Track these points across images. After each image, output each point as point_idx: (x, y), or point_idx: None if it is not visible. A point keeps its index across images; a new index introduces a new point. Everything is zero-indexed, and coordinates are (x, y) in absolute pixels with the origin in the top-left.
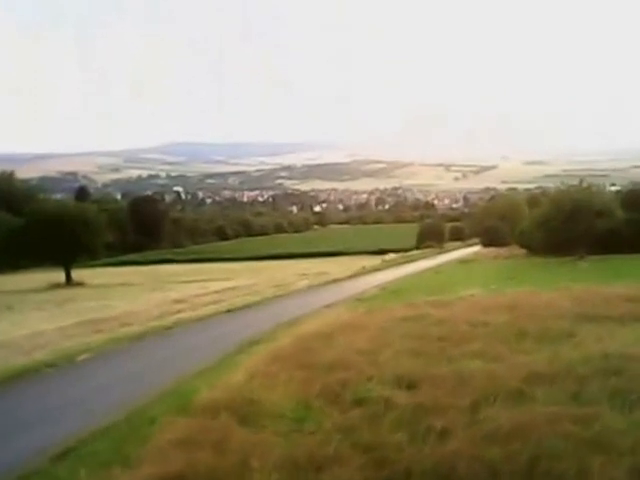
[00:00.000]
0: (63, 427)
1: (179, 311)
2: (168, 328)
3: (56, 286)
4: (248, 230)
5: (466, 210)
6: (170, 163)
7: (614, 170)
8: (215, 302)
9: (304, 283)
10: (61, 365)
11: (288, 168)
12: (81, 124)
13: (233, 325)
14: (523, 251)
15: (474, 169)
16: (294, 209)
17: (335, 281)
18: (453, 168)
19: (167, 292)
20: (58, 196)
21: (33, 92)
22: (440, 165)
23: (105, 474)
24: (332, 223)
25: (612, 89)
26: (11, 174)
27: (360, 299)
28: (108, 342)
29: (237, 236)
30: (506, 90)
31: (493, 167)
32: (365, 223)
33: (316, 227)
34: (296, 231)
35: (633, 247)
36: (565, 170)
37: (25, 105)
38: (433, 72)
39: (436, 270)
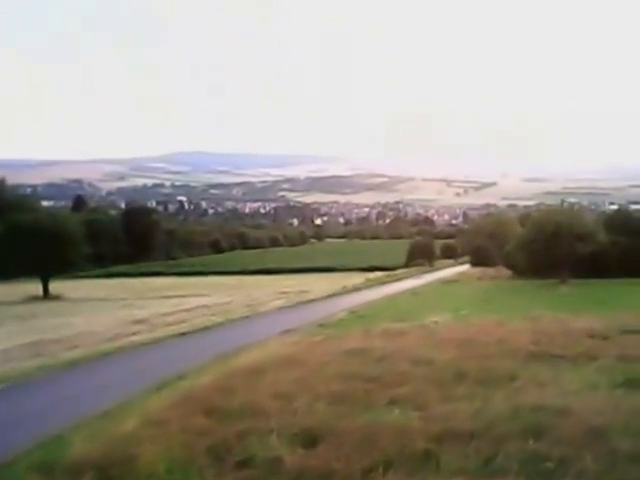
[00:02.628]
0: None
1: (134, 333)
2: (107, 354)
3: (33, 299)
4: (244, 243)
5: (465, 226)
6: (175, 172)
7: (614, 189)
8: (177, 323)
9: (278, 303)
10: None
11: (291, 180)
12: (88, 132)
13: (175, 352)
14: (509, 272)
15: (475, 185)
16: (295, 222)
17: (310, 301)
18: (454, 184)
19: (136, 310)
20: (62, 203)
21: (41, 99)
22: (442, 180)
23: None
24: (330, 237)
25: (614, 106)
26: (2, 181)
27: (323, 324)
28: (35, 370)
29: (232, 249)
30: (507, 107)
31: (493, 184)
32: (363, 238)
33: (313, 241)
34: (292, 245)
35: (619, 271)
36: (565, 188)
37: (33, 112)
38: (435, 86)
39: (414, 291)
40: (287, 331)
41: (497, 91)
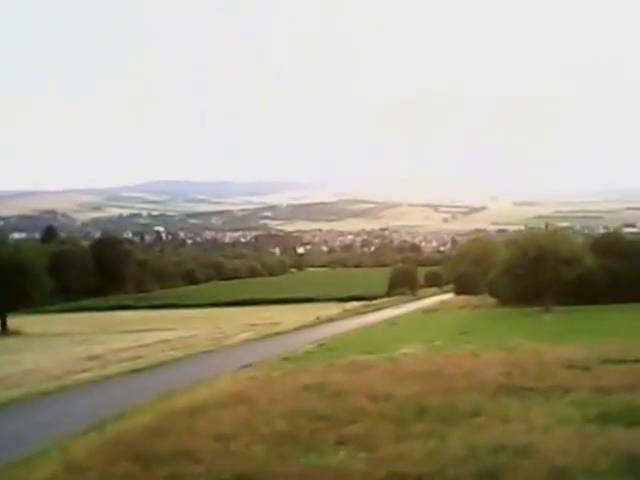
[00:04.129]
0: None
1: (84, 370)
2: (47, 393)
3: None
4: (220, 273)
5: (453, 253)
6: (152, 202)
7: (608, 212)
8: (132, 359)
9: (244, 336)
10: None
11: (273, 208)
12: (62, 162)
13: (121, 390)
14: (493, 300)
15: (463, 210)
16: (277, 251)
17: (279, 334)
18: (442, 209)
19: (92, 345)
20: (34, 235)
21: (14, 127)
22: (428, 205)
23: None
24: (312, 266)
25: (611, 124)
26: None
27: (288, 358)
28: None
29: (208, 279)
30: (496, 128)
31: (483, 208)
32: (346, 266)
33: (293, 270)
34: (271, 274)
35: (607, 296)
36: (557, 211)
37: (6, 141)
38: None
39: (392, 322)
40: (247, 365)
41: (488, 108)
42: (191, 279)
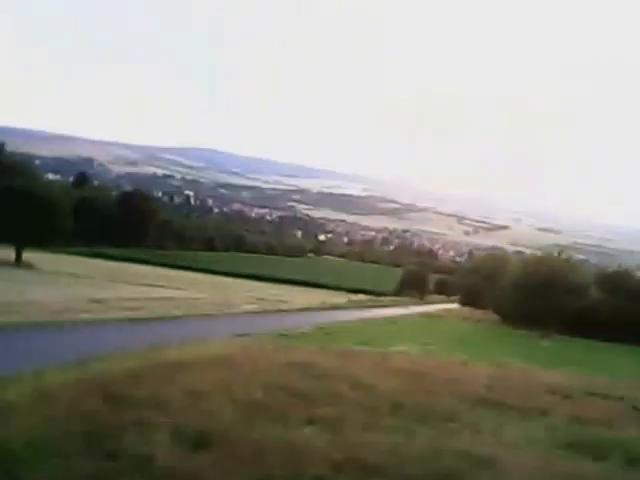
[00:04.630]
0: None
1: (85, 311)
2: (40, 325)
3: (2, 263)
4: (239, 246)
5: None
6: (187, 166)
7: (625, 251)
8: (134, 309)
9: (248, 307)
10: None
11: (302, 192)
12: (108, 112)
13: (114, 336)
14: (496, 317)
15: (486, 226)
16: (299, 234)
17: (283, 312)
18: (465, 221)
19: (99, 290)
20: (69, 179)
21: (67, 72)
22: (453, 216)
23: None
24: (330, 254)
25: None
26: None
27: (284, 335)
28: None
29: (227, 249)
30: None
31: (505, 227)
32: (362, 260)
33: (310, 255)
34: (288, 255)
35: (608, 332)
36: (576, 243)
37: (55, 83)
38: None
39: (394, 320)
40: (243, 334)
41: (523, 136)
42: (210, 246)
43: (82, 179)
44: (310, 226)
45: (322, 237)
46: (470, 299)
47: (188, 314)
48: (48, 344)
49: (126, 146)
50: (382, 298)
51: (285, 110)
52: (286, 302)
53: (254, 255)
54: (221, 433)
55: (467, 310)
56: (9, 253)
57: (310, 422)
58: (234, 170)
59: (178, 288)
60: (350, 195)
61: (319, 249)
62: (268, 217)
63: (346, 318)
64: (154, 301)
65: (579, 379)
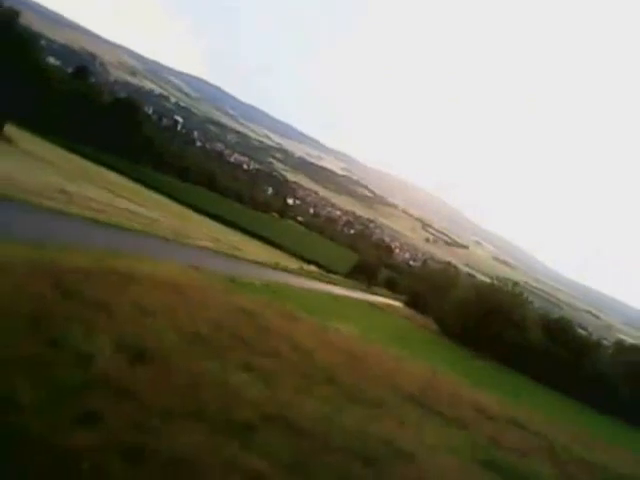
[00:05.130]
0: None
1: (50, 198)
2: (7, 198)
3: None
4: (211, 184)
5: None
6: (184, 93)
7: (569, 305)
8: (96, 210)
9: (204, 244)
10: None
11: (285, 152)
12: (127, 17)
13: (72, 229)
14: (436, 327)
15: (447, 240)
16: (269, 190)
17: (236, 258)
18: (429, 229)
19: (68, 182)
20: (68, 68)
21: None
22: (420, 220)
23: None
24: (294, 219)
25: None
26: (15, 13)
27: (233, 280)
28: None
29: (197, 184)
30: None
31: (464, 247)
32: (322, 234)
33: (274, 214)
34: (253, 208)
35: (539, 373)
36: (527, 283)
37: None
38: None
39: (337, 298)
40: (193, 266)
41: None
42: (183, 176)
43: (82, 73)
44: (282, 187)
45: (290, 201)
46: (415, 303)
47: (146, 231)
48: (8, 219)
49: (132, 54)
50: (332, 275)
51: (298, 70)
52: (240, 250)
53: (222, 198)
54: (161, 355)
55: (410, 312)
56: None
57: (247, 369)
58: (229, 111)
59: (142, 205)
60: (329, 170)
61: (284, 212)
62: (245, 166)
63: (294, 282)
64: (115, 209)
65: (505, 407)
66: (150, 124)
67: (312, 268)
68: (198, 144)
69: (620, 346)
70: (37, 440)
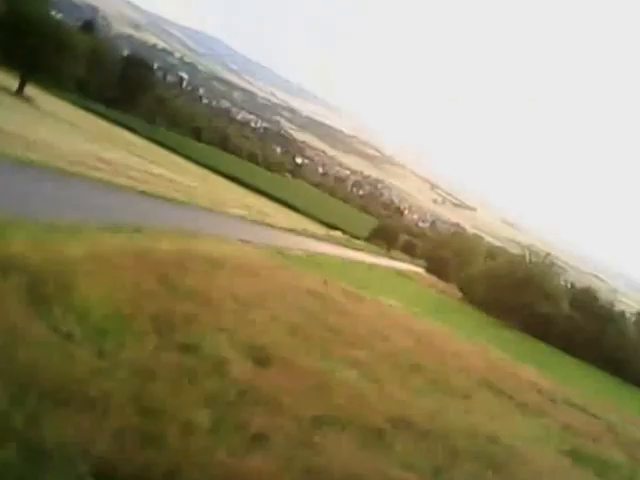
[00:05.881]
0: None
1: (97, 168)
2: (65, 172)
3: (2, 89)
4: (224, 144)
5: (429, 234)
6: (188, 47)
7: (573, 268)
8: (140, 181)
9: (238, 212)
10: None
11: (292, 111)
12: None
13: (134, 206)
14: (459, 294)
15: (455, 201)
16: (278, 150)
17: (270, 226)
18: (437, 190)
19: (101, 150)
20: (69, 22)
21: None
22: (428, 182)
23: None
24: (304, 179)
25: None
26: None
27: (282, 253)
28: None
29: (211, 144)
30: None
31: (472, 209)
32: (333, 196)
33: (287, 175)
34: (267, 169)
35: (567, 344)
36: (532, 245)
37: None
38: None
39: (369, 267)
40: (245, 241)
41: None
42: (197, 136)
43: (89, 28)
44: (291, 146)
45: (299, 160)
46: (436, 269)
47: (189, 202)
48: (82, 198)
49: (134, 7)
50: (356, 241)
51: (303, 28)
52: (269, 216)
53: (236, 158)
54: (278, 355)
55: (432, 279)
56: (10, 80)
57: (351, 365)
58: (233, 67)
59: (171, 170)
60: (337, 129)
61: (296, 172)
62: (252, 124)
63: (329, 252)
64: (155, 177)
65: (555, 384)
66: (159, 82)
67: (338, 234)
68: (204, 102)
69: None
70: (218, 464)
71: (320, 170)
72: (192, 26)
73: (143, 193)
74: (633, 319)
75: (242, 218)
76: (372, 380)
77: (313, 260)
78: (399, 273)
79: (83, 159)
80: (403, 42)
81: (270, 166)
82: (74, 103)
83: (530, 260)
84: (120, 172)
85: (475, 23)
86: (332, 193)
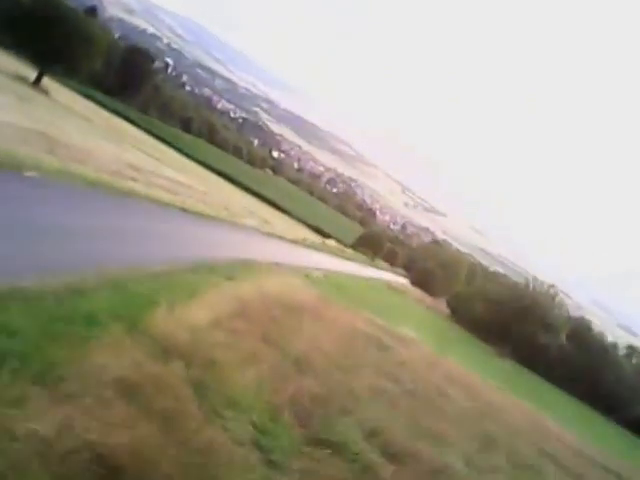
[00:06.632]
0: None
1: (132, 179)
2: (123, 193)
3: (21, 79)
4: (211, 136)
5: (401, 237)
6: (177, 34)
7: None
8: (169, 192)
9: (250, 222)
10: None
11: (270, 102)
12: None
13: (191, 229)
14: (447, 311)
15: (426, 205)
16: (255, 142)
17: (279, 237)
18: (409, 193)
19: (123, 151)
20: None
21: None
22: (400, 184)
23: None
24: (284, 176)
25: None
26: None
27: (308, 276)
28: (60, 171)
29: (199, 135)
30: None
31: (443, 214)
32: (311, 193)
33: (268, 171)
34: (250, 163)
35: (560, 378)
36: (500, 255)
37: None
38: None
39: (368, 282)
40: (275, 263)
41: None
42: (186, 127)
43: (92, 14)
44: (268, 138)
45: (275, 154)
46: (421, 281)
47: (216, 216)
48: (150, 226)
49: None
50: (347, 250)
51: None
52: (269, 224)
53: (224, 152)
54: (405, 450)
55: (419, 292)
56: (24, 69)
57: (439, 442)
58: (217, 56)
59: (179, 170)
60: (312, 123)
61: (275, 167)
62: (232, 114)
63: (335, 268)
64: (176, 185)
65: (576, 438)
66: (157, 71)
67: (332, 243)
68: (187, 89)
69: (633, 350)
70: None
71: (295, 165)
72: (184, 13)
73: (184, 210)
74: (624, 352)
75: (255, 230)
76: (469, 465)
77: (333, 282)
78: (389, 286)
79: (118, 168)
80: (401, 42)
81: (252, 161)
82: (79, 92)
83: (533, 289)
84: (151, 182)
85: (473, 23)
86: (310, 191)
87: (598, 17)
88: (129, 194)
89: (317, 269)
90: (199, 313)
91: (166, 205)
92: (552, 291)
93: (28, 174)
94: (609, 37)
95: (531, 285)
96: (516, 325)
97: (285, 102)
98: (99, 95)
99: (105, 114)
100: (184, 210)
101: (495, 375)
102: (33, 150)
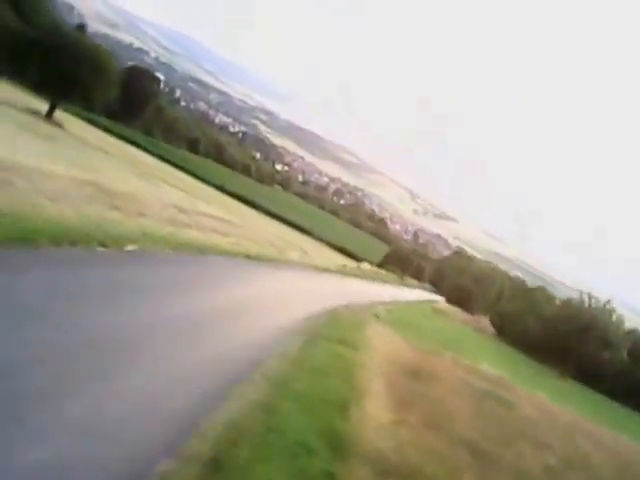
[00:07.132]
0: None
1: (187, 225)
2: (200, 250)
3: (33, 113)
4: (219, 155)
5: (415, 248)
6: (163, 47)
7: (558, 282)
8: (221, 234)
9: (294, 255)
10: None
11: (270, 114)
12: None
13: (291, 288)
14: (491, 329)
15: (436, 212)
16: (258, 155)
17: (325, 270)
18: (418, 200)
19: (158, 190)
20: None
21: None
22: (408, 190)
23: None
24: (291, 191)
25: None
26: None
27: (377, 316)
28: (145, 237)
29: (207, 155)
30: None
31: (453, 219)
32: (322, 208)
33: (277, 187)
34: (259, 180)
35: (622, 395)
36: (518, 259)
37: None
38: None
39: (421, 310)
40: (345, 306)
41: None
42: (194, 148)
43: (82, 31)
44: (270, 152)
45: (279, 167)
46: (458, 300)
47: (278, 258)
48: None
49: (109, 5)
50: (381, 271)
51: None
52: (307, 253)
53: (234, 171)
54: None
55: (458, 311)
56: (35, 101)
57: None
58: (208, 68)
59: (207, 202)
60: (314, 133)
61: (283, 182)
62: (231, 128)
63: (385, 297)
64: (222, 224)
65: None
66: (160, 92)
67: (367, 266)
68: (182, 104)
69: None
70: None
71: (300, 178)
72: (168, 25)
73: (249, 258)
74: None
75: (301, 264)
76: None
77: (397, 319)
78: (434, 309)
79: (169, 214)
80: (399, 42)
81: (261, 178)
82: (84, 119)
83: (590, 306)
84: (200, 224)
85: (471, 24)
86: (319, 204)
87: (598, 17)
88: (203, 251)
89: (375, 302)
90: (374, 408)
91: (234, 255)
92: (609, 307)
93: (129, 248)
94: (609, 37)
95: (586, 301)
96: (577, 344)
97: (283, 112)
98: (103, 120)
99: (113, 141)
100: (248, 257)
101: (582, 406)
102: (99, 209)
